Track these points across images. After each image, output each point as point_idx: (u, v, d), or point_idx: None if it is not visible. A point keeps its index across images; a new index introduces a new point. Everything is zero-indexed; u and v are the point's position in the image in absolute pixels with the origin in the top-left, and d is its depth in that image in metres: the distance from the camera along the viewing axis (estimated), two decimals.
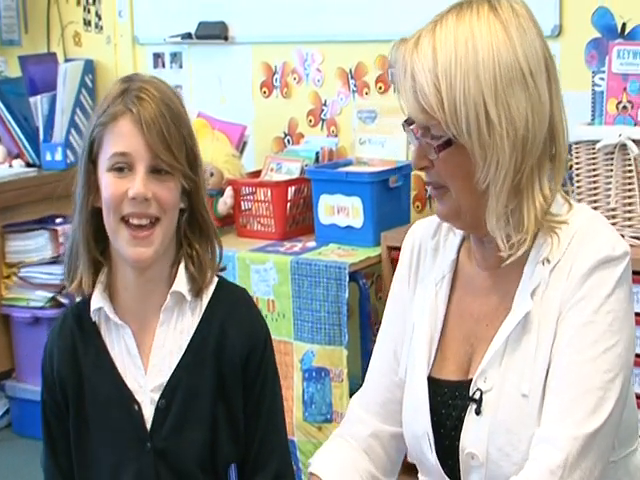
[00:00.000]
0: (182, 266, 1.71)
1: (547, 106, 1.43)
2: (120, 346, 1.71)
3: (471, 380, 1.47)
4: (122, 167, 1.62)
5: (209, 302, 1.72)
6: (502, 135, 1.39)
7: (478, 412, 1.45)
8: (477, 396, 1.45)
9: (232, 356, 1.69)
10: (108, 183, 1.63)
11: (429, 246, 1.61)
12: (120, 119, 1.62)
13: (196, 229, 1.71)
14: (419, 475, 1.59)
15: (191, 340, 1.70)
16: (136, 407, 1.68)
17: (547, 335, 1.42)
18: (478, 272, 1.53)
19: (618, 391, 1.39)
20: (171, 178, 1.64)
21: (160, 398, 1.68)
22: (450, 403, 1.50)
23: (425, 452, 1.52)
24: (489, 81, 1.39)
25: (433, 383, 1.52)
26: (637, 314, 1.96)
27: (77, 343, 1.72)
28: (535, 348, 1.42)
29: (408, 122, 1.50)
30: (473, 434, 1.45)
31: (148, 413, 1.68)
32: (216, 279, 1.75)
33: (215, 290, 1.73)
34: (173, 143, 1.62)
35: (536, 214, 1.43)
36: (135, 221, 1.63)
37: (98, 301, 1.69)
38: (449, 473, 1.50)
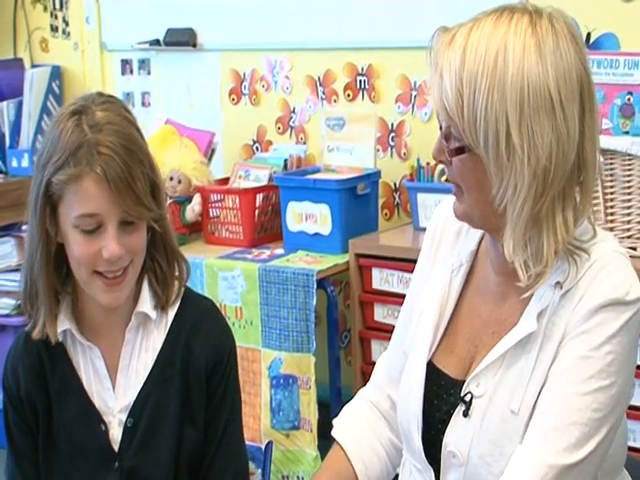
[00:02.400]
0: (146, 283, 1.69)
1: (575, 138, 1.36)
2: (88, 366, 1.70)
3: (465, 381, 1.47)
4: (92, 228, 1.57)
5: (175, 316, 1.71)
6: (523, 161, 1.33)
7: (466, 414, 1.45)
8: (467, 398, 1.45)
9: (198, 370, 1.69)
10: (77, 241, 1.59)
11: (453, 229, 1.58)
12: (84, 179, 1.55)
13: (160, 245, 1.69)
14: (403, 451, 1.59)
15: (157, 357, 1.69)
16: (102, 427, 1.67)
17: (546, 357, 1.40)
18: (492, 276, 1.50)
19: (604, 433, 1.37)
20: (140, 224, 1.62)
21: (128, 417, 1.67)
22: (444, 397, 1.50)
23: (412, 433, 1.51)
24: (515, 101, 1.32)
25: (433, 371, 1.52)
26: None
27: (44, 362, 1.70)
28: (532, 368, 1.41)
29: None
30: (458, 434, 1.45)
31: (116, 433, 1.68)
32: (182, 290, 1.73)
33: (181, 303, 1.72)
34: (140, 192, 1.58)
35: (557, 246, 1.38)
36: (110, 275, 1.60)
37: (64, 323, 1.67)
38: (430, 461, 1.49)
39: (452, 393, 1.49)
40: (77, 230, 1.58)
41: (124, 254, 1.59)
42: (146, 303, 1.68)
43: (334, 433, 1.68)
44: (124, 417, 1.68)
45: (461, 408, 1.45)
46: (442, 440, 1.47)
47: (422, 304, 1.58)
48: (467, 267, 1.54)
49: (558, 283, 1.40)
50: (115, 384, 1.69)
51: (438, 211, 1.64)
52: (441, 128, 1.43)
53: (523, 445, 1.38)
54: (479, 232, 1.55)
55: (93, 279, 1.61)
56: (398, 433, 1.62)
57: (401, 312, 1.68)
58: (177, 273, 1.71)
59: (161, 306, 1.69)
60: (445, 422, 1.48)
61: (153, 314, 1.69)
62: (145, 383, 1.68)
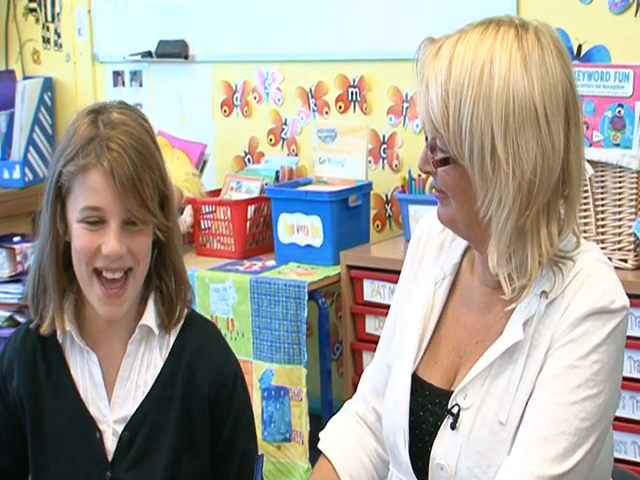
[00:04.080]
0: (152, 301, 1.69)
1: (560, 153, 1.36)
2: (84, 371, 1.69)
3: (452, 392, 1.46)
4: (94, 221, 1.58)
5: (177, 337, 1.70)
6: (507, 174, 1.33)
7: (453, 427, 1.44)
8: (455, 410, 1.44)
9: (200, 395, 1.67)
10: (79, 235, 1.60)
11: (436, 241, 1.59)
12: (91, 172, 1.57)
13: (169, 265, 1.69)
14: (390, 465, 1.58)
15: (159, 376, 1.68)
16: (97, 435, 1.66)
17: (533, 367, 1.40)
18: (478, 286, 1.51)
19: (592, 442, 1.37)
20: (144, 228, 1.61)
21: (124, 430, 1.66)
22: (429, 408, 1.49)
23: (399, 447, 1.51)
24: (500, 114, 1.33)
25: (417, 382, 1.52)
26: None
27: (39, 362, 1.69)
28: (519, 378, 1.40)
29: None
30: (445, 447, 1.45)
31: (109, 443, 1.66)
32: (186, 311, 1.72)
33: (184, 324, 1.71)
34: (146, 196, 1.58)
35: (541, 259, 1.38)
36: (108, 275, 1.60)
37: (66, 324, 1.66)
38: (418, 474, 1.49)
39: (437, 403, 1.48)
40: (81, 224, 1.59)
41: (124, 254, 1.59)
42: (151, 317, 1.68)
43: (321, 446, 1.67)
44: (119, 428, 1.66)
45: (448, 420, 1.45)
46: (429, 453, 1.46)
47: (406, 316, 1.58)
48: (450, 279, 1.55)
49: (544, 292, 1.41)
50: (112, 394, 1.68)
51: (421, 224, 1.64)
52: (427, 139, 1.43)
53: (511, 456, 1.38)
54: (462, 244, 1.55)
55: (92, 281, 1.61)
56: (384, 445, 1.62)
57: (385, 325, 1.68)
58: (183, 295, 1.70)
59: (165, 326, 1.68)
60: (432, 435, 1.47)
61: (157, 330, 1.68)
62: (145, 400, 1.67)
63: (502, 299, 1.43)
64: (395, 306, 1.66)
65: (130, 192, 1.56)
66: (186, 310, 1.72)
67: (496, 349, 1.43)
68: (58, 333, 1.67)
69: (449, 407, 1.45)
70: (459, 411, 1.44)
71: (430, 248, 1.59)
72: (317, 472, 1.66)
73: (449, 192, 1.41)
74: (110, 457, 1.66)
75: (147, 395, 1.67)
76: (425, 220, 1.63)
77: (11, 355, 1.71)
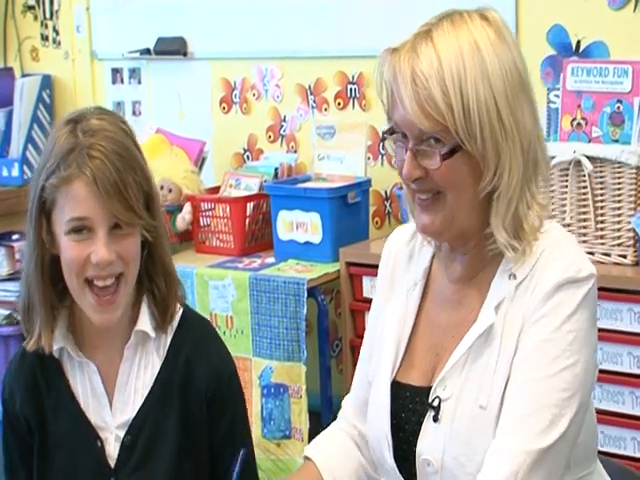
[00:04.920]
0: (145, 304, 1.69)
1: (538, 115, 1.47)
2: (84, 382, 1.69)
3: (432, 387, 1.48)
4: (81, 230, 1.58)
5: (174, 336, 1.70)
6: (515, 141, 1.41)
7: (436, 419, 1.45)
8: (436, 403, 1.46)
9: (198, 393, 1.68)
10: (68, 247, 1.59)
11: (404, 253, 1.62)
12: (74, 182, 1.56)
13: (158, 264, 1.69)
14: (379, 476, 1.60)
15: (157, 377, 1.68)
16: (99, 443, 1.67)
17: (508, 349, 1.43)
18: (447, 284, 1.54)
19: (574, 410, 1.39)
20: (132, 231, 1.61)
21: (126, 434, 1.67)
22: (410, 407, 1.50)
23: (384, 454, 1.52)
24: (500, 87, 1.40)
25: (396, 386, 1.53)
26: (602, 330, 1.97)
27: (39, 381, 1.69)
28: (496, 361, 1.43)
29: (389, 132, 1.48)
30: (430, 441, 1.46)
31: (112, 449, 1.67)
32: (180, 310, 1.72)
33: (179, 323, 1.71)
34: (132, 199, 1.58)
35: (534, 221, 1.45)
36: (100, 283, 1.60)
37: (59, 341, 1.66)
38: (407, 478, 1.50)
39: (417, 401, 1.50)
40: (69, 236, 1.58)
41: (114, 259, 1.58)
42: (145, 322, 1.68)
43: (306, 451, 1.68)
44: (121, 433, 1.67)
45: (430, 414, 1.46)
46: (415, 452, 1.47)
47: (381, 335, 1.60)
48: (422, 284, 1.57)
49: (513, 274, 1.45)
50: (112, 400, 1.68)
51: (387, 245, 1.66)
52: (407, 150, 1.43)
53: (497, 438, 1.40)
54: (430, 250, 1.58)
55: (84, 291, 1.60)
56: (368, 458, 1.64)
57: (363, 343, 1.70)
58: (175, 294, 1.70)
59: (160, 326, 1.68)
60: (416, 432, 1.48)
61: (152, 333, 1.68)
62: (144, 402, 1.67)
63: (472, 291, 1.48)
64: (370, 328, 1.68)
65: (115, 197, 1.56)
66: (180, 307, 1.72)
67: (471, 335, 1.45)
68: (54, 348, 1.66)
69: (430, 401, 1.47)
70: (440, 403, 1.45)
71: (400, 262, 1.62)
72: (299, 471, 1.68)
73: (449, 186, 1.43)
74: (113, 463, 1.67)
75: (147, 397, 1.68)
76: (393, 235, 1.67)
77: (10, 381, 1.72)
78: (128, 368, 1.68)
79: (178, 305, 1.71)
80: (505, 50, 1.42)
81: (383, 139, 1.51)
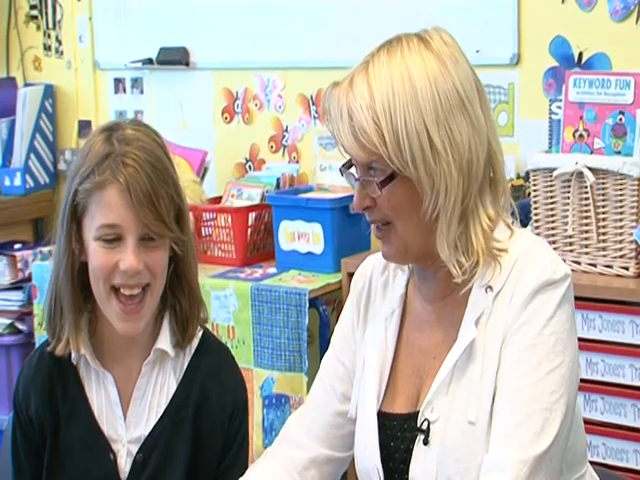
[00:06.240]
0: (166, 321, 1.69)
1: (485, 130, 1.46)
2: (100, 391, 1.69)
3: (419, 412, 1.47)
4: (111, 238, 1.59)
5: (192, 359, 1.70)
6: (448, 161, 1.41)
7: (426, 442, 1.45)
8: (425, 426, 1.45)
9: (213, 418, 1.68)
10: (97, 253, 1.60)
11: (379, 282, 1.61)
12: (107, 188, 1.57)
13: (184, 282, 1.69)
14: None
15: (172, 398, 1.68)
16: (112, 456, 1.67)
17: (492, 362, 1.43)
18: (424, 306, 1.54)
19: (563, 411, 1.40)
20: (161, 243, 1.61)
21: (138, 452, 1.67)
22: (399, 436, 1.49)
23: None
24: (429, 109, 1.41)
25: (383, 417, 1.52)
26: (585, 340, 1.96)
27: (55, 385, 1.69)
28: (480, 376, 1.43)
29: (346, 166, 1.51)
30: (422, 465, 1.45)
31: (124, 463, 1.67)
32: (201, 331, 1.73)
33: (198, 346, 1.71)
34: (163, 210, 1.59)
35: (484, 236, 1.45)
36: (126, 291, 1.60)
37: (81, 346, 1.66)
38: None
39: (406, 428, 1.49)
40: (98, 242, 1.59)
41: (142, 269, 1.59)
42: (166, 340, 1.68)
43: None
44: (134, 449, 1.67)
45: (420, 438, 1.46)
46: (408, 478, 1.47)
47: (361, 367, 1.58)
48: (399, 311, 1.57)
49: (489, 287, 1.45)
50: (126, 414, 1.68)
51: (362, 270, 1.66)
52: (357, 179, 1.46)
53: (490, 451, 1.39)
54: (405, 275, 1.58)
55: (110, 299, 1.61)
56: None
57: (320, 368, 1.68)
58: (197, 314, 1.71)
59: (180, 345, 1.69)
60: (407, 459, 1.47)
61: (172, 352, 1.68)
62: (158, 423, 1.67)
63: (448, 309, 1.48)
64: (331, 352, 1.65)
65: (147, 207, 1.57)
66: (200, 330, 1.72)
67: (454, 353, 1.45)
68: (73, 355, 1.67)
69: (419, 425, 1.46)
70: (429, 425, 1.45)
71: (376, 292, 1.61)
72: None
73: (394, 213, 1.45)
74: (124, 477, 1.67)
75: (161, 417, 1.68)
76: (364, 266, 1.66)
77: (26, 383, 1.72)
78: (145, 384, 1.68)
79: (199, 327, 1.71)
80: (442, 72, 1.43)
81: (341, 173, 1.52)
